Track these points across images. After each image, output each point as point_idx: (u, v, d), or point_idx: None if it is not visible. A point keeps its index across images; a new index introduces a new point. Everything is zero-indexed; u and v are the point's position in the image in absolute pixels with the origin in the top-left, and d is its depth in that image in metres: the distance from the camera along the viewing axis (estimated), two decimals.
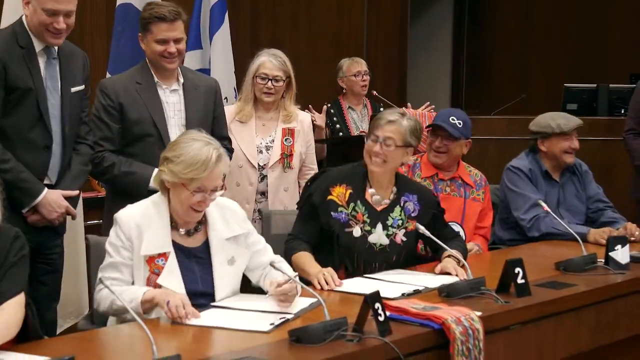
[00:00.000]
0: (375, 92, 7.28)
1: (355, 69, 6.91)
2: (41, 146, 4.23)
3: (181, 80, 4.70)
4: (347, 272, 4.25)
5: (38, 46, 4.23)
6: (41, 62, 4.25)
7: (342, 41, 9.78)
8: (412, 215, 4.37)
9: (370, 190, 4.37)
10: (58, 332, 5.23)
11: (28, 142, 4.21)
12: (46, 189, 4.23)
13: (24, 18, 4.24)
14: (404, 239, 4.34)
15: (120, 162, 4.51)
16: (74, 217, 4.46)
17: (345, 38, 9.89)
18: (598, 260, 4.42)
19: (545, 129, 5.39)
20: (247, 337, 3.17)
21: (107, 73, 5.61)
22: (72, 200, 4.37)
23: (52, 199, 4.24)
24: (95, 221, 5.88)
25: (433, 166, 5.05)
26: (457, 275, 4.07)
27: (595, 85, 8.43)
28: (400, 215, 4.36)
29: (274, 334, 3.18)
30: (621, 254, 4.40)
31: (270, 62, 5.14)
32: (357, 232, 4.30)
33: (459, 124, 4.99)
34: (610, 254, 4.40)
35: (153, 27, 4.54)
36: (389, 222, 4.34)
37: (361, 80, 6.91)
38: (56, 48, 4.29)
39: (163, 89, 4.64)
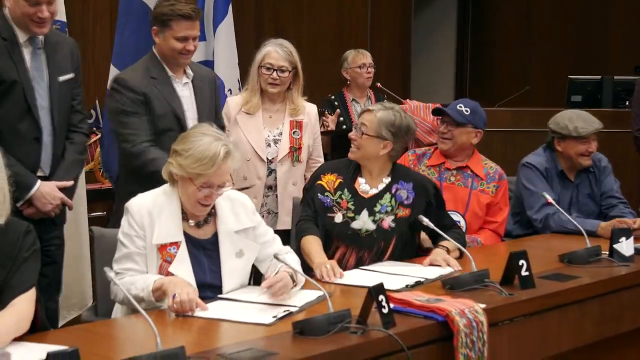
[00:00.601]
0: (379, 84, 7.27)
1: (360, 61, 6.90)
2: (31, 138, 4.22)
3: (190, 73, 4.69)
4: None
5: (22, 37, 4.22)
6: (26, 53, 4.24)
7: (345, 36, 9.76)
8: (405, 202, 4.38)
9: (359, 180, 4.42)
10: (61, 323, 5.25)
11: (18, 135, 4.19)
12: (39, 181, 4.22)
13: (5, 10, 4.22)
14: (392, 225, 4.35)
15: (164, 160, 4.33)
16: (70, 208, 4.45)
17: (347, 33, 9.88)
18: (602, 252, 4.41)
19: (563, 130, 5.28)
20: (250, 329, 3.17)
21: (112, 65, 5.61)
22: (68, 191, 4.36)
23: (46, 191, 4.23)
24: (99, 213, 5.90)
25: (442, 155, 5.05)
26: (448, 266, 4.09)
27: (600, 77, 8.41)
28: (390, 202, 4.37)
29: (278, 326, 3.18)
30: (625, 246, 4.39)
31: (276, 52, 5.08)
32: (338, 218, 4.35)
33: (466, 111, 4.97)
34: (614, 246, 4.39)
35: (174, 24, 4.50)
36: (377, 209, 4.36)
37: (366, 73, 6.90)
38: (41, 38, 4.27)
39: (177, 82, 4.63)
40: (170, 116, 4.54)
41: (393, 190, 4.40)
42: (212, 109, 4.75)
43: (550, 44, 11.09)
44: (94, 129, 6.35)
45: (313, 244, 4.22)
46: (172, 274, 3.52)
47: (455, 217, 4.83)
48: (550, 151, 5.37)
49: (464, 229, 4.85)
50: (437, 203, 4.46)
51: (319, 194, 4.37)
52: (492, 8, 11.86)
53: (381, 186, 4.41)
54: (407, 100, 7.01)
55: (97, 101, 6.43)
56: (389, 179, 4.43)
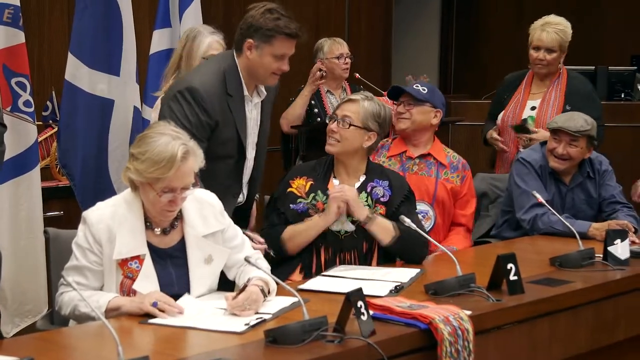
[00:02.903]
0: (357, 75, 7.27)
1: (337, 51, 6.88)
2: None
3: (263, 92, 4.49)
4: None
5: None
6: None
7: (321, 22, 9.75)
8: (382, 200, 4.43)
9: (333, 181, 4.46)
10: (15, 331, 5.23)
11: None
12: None
13: None
14: None
15: None
16: None
17: (324, 18, 9.87)
18: (596, 255, 4.44)
19: (547, 125, 5.36)
20: (220, 338, 3.17)
21: (69, 54, 5.58)
22: None
23: None
24: (56, 212, 5.87)
25: (402, 142, 5.14)
26: None
27: (594, 67, 8.43)
28: (366, 200, 4.41)
29: (250, 334, 3.18)
30: (620, 249, 4.41)
31: (219, 42, 5.10)
32: None
33: (424, 90, 5.11)
34: (609, 248, 4.41)
35: (276, 42, 4.25)
36: None
37: (343, 63, 6.89)
38: None
39: (248, 102, 4.42)
40: (234, 142, 4.35)
41: (368, 189, 4.44)
42: (268, 128, 4.63)
43: None
44: (51, 121, 6.33)
45: (296, 226, 4.35)
46: (135, 291, 3.50)
47: (424, 207, 4.98)
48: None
49: (432, 220, 5.01)
50: (409, 201, 4.52)
51: (290, 205, 4.41)
52: None
53: (357, 184, 4.45)
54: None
55: (53, 92, 6.40)
56: (364, 177, 4.48)
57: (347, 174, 4.48)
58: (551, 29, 5.96)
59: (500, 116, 6.07)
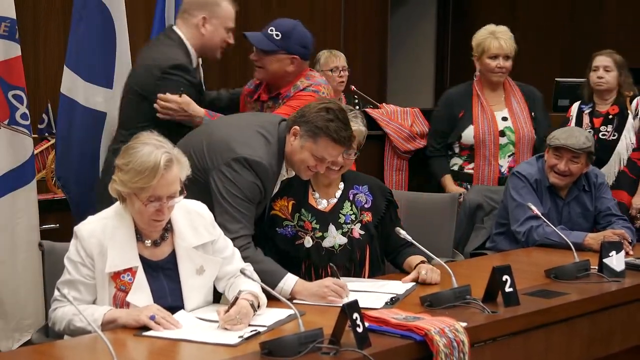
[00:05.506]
0: (353, 87, 7.28)
1: (332, 64, 6.88)
2: None
3: (292, 171, 4.40)
4: None
5: None
6: None
7: (316, 34, 9.75)
8: (366, 206, 4.43)
9: (312, 194, 4.44)
10: (14, 347, 5.21)
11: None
12: None
13: None
14: (362, 232, 4.39)
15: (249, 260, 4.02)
16: None
17: (320, 30, 9.87)
18: (591, 267, 4.44)
19: (547, 140, 5.36)
20: (214, 350, 3.17)
21: (65, 67, 5.58)
22: None
23: None
24: (52, 225, 5.86)
25: (265, 86, 4.97)
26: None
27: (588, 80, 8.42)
28: (351, 209, 4.41)
29: (245, 346, 3.18)
30: (616, 261, 4.42)
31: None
32: (308, 242, 4.35)
33: (277, 35, 4.86)
34: (604, 260, 4.41)
35: (321, 141, 4.09)
36: (341, 220, 4.39)
37: (338, 77, 6.88)
38: None
39: (278, 182, 4.36)
40: (260, 208, 4.29)
41: (351, 197, 4.43)
42: None
43: (538, 43, 11.13)
44: (47, 134, 6.33)
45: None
46: (129, 304, 3.50)
47: None
48: (543, 162, 5.37)
49: None
50: (393, 204, 4.52)
51: (277, 229, 4.36)
52: (474, 4, 11.91)
53: (338, 193, 4.44)
54: (384, 104, 7.03)
55: (49, 104, 6.41)
56: (343, 185, 4.46)
57: (326, 185, 4.44)
58: (505, 36, 6.07)
59: (469, 132, 6.05)
